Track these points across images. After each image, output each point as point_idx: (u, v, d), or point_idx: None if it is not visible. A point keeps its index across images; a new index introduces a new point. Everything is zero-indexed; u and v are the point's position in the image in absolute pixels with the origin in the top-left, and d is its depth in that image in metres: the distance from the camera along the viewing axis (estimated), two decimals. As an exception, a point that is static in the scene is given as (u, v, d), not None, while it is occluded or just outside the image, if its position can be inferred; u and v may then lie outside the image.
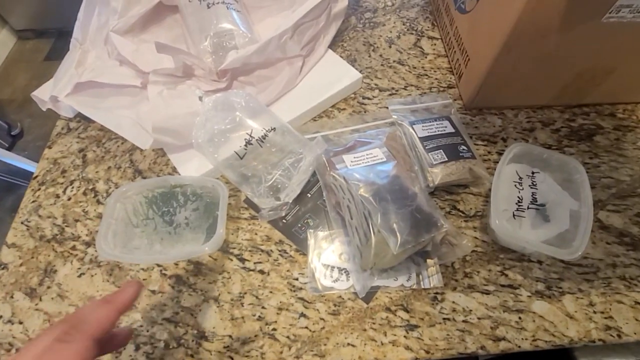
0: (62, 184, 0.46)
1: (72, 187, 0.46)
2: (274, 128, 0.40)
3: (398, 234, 0.35)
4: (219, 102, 0.40)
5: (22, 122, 1.57)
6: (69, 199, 0.45)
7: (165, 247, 0.39)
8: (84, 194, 0.45)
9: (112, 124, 0.44)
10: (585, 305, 0.36)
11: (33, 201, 0.45)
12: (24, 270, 0.41)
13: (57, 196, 0.45)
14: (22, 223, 0.44)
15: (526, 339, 0.35)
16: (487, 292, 0.37)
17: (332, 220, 0.41)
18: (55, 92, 0.46)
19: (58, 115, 0.51)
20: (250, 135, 0.39)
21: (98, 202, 0.45)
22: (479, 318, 0.36)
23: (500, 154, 0.46)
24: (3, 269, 0.41)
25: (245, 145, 0.39)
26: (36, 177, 0.47)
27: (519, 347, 0.35)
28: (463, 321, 0.36)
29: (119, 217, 0.39)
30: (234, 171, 0.41)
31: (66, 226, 0.43)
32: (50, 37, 1.88)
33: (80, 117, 0.52)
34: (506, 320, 0.36)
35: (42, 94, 0.48)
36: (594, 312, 0.36)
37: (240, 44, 0.48)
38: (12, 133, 1.51)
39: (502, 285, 0.38)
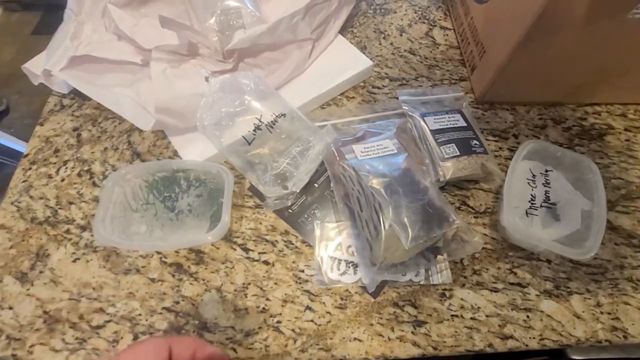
0: (55, 164, 0.44)
1: (66, 168, 0.43)
2: (284, 114, 0.38)
3: (410, 228, 0.34)
4: (227, 83, 0.37)
5: (8, 98, 1.51)
6: (63, 180, 0.43)
7: (166, 233, 0.37)
8: (79, 175, 0.43)
9: (110, 102, 0.42)
10: (593, 305, 0.36)
11: (24, 181, 0.43)
12: (14, 253, 0.38)
13: (50, 176, 0.43)
14: (12, 204, 0.41)
15: (534, 338, 0.35)
16: (496, 290, 0.37)
17: (340, 211, 0.40)
18: (48, 66, 0.43)
19: (47, 92, 0.48)
20: (260, 120, 0.37)
21: (94, 184, 0.42)
22: (487, 315, 0.35)
23: (511, 150, 0.46)
24: (-9, 251, 0.38)
25: (254, 130, 0.37)
26: (27, 155, 0.44)
27: (527, 345, 0.34)
28: (471, 318, 0.35)
29: (117, 200, 0.37)
30: (240, 157, 0.39)
31: (59, 208, 0.41)
32: (38, 9, 1.79)
33: (75, 94, 0.49)
34: (514, 319, 0.35)
35: (34, 67, 0.44)
36: (601, 313, 0.36)
37: (247, 23, 0.45)
38: (-3, 109, 1.45)
39: (511, 284, 0.37)
